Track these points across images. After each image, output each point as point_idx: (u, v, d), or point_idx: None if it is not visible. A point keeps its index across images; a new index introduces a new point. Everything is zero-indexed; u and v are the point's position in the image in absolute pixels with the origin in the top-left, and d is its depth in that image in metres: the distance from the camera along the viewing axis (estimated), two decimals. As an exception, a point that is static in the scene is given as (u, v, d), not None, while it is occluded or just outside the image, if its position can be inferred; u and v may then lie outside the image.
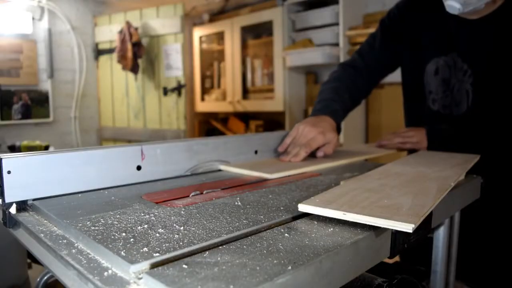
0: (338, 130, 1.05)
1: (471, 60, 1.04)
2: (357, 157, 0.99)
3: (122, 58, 3.33)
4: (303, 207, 0.51)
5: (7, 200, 0.56)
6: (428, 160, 0.84)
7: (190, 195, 0.62)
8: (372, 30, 2.44)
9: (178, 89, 3.35)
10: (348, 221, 0.47)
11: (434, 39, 1.11)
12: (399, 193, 0.56)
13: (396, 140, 1.10)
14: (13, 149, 2.90)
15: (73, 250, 0.42)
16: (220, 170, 0.85)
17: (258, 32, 3.39)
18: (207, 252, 0.38)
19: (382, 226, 0.45)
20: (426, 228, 0.53)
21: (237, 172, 0.82)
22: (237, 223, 0.48)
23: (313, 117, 1.03)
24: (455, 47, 1.06)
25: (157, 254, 0.38)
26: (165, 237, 0.43)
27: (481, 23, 1.01)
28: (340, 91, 1.14)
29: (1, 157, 0.56)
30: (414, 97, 1.18)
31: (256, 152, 0.94)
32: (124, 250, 0.39)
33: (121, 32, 3.33)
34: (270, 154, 0.98)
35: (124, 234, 0.44)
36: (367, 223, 0.46)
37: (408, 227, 0.44)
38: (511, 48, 0.97)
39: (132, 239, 0.42)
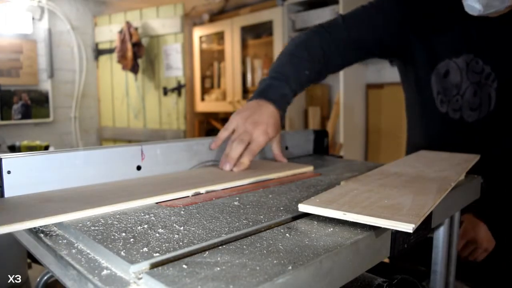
0: (282, 120, 0.88)
1: (495, 62, 0.96)
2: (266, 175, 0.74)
3: (122, 58, 3.33)
4: (303, 207, 0.50)
5: (7, 200, 0.56)
6: (428, 160, 0.84)
7: (190, 195, 0.62)
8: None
9: (178, 89, 3.35)
10: (348, 221, 0.47)
11: (448, 38, 1.02)
12: (399, 193, 0.56)
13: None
14: (13, 149, 2.90)
15: (73, 250, 0.42)
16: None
17: (258, 32, 3.39)
18: (207, 252, 0.38)
19: (382, 226, 0.45)
20: (426, 228, 0.53)
21: None
22: (237, 223, 0.48)
23: (254, 104, 0.85)
24: (473, 48, 0.98)
25: (157, 254, 0.38)
26: (165, 237, 0.43)
27: (502, 22, 0.94)
28: (301, 66, 0.94)
29: (1, 157, 0.56)
30: (421, 95, 1.09)
31: (256, 152, 0.94)
32: (124, 250, 0.39)
33: (121, 32, 3.33)
34: (270, 154, 0.98)
35: (124, 234, 0.44)
36: (368, 223, 0.46)
37: (409, 227, 0.44)
38: None
39: (132, 239, 0.42)
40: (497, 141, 1.02)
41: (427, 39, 1.05)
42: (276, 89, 0.88)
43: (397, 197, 0.54)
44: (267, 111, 0.84)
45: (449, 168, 0.75)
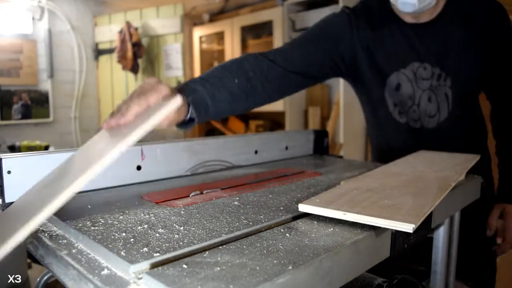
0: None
1: (443, 62, 0.98)
2: None
3: (122, 58, 3.33)
4: (303, 207, 0.50)
5: (7, 200, 0.56)
6: (428, 160, 0.84)
7: (190, 195, 0.62)
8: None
9: (178, 89, 3.35)
10: (348, 221, 0.47)
11: (391, 51, 1.01)
12: (399, 193, 0.56)
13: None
14: (13, 149, 2.89)
15: (73, 250, 0.42)
16: (220, 170, 0.85)
17: (258, 32, 3.38)
18: (207, 252, 0.38)
19: (382, 226, 0.45)
20: (426, 228, 0.53)
21: None
22: (237, 223, 0.48)
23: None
24: (418, 55, 0.99)
25: (157, 254, 0.38)
26: (165, 237, 0.43)
27: (435, 25, 0.97)
28: (227, 73, 0.81)
29: (1, 157, 0.56)
30: (377, 111, 1.08)
31: (256, 152, 0.94)
32: (124, 250, 0.39)
33: (121, 32, 3.33)
34: (270, 154, 0.98)
35: (124, 234, 0.44)
36: (368, 223, 0.46)
37: (409, 227, 0.44)
38: (473, 44, 0.97)
39: (132, 239, 0.42)
40: (464, 139, 1.04)
41: (372, 56, 1.03)
42: (187, 85, 0.74)
43: (397, 197, 0.54)
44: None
45: (449, 168, 0.75)
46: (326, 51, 1.00)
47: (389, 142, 1.11)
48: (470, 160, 0.83)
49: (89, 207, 0.55)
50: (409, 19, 0.98)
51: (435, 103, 1.00)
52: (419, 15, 0.96)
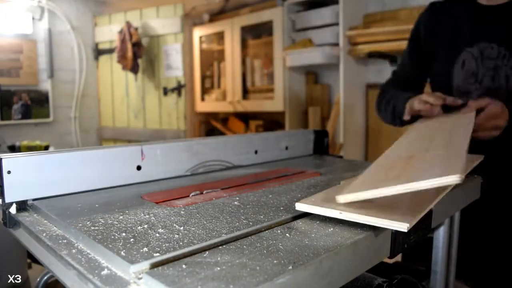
0: None
1: (509, 41, 1.02)
2: None
3: (122, 58, 3.33)
4: (300, 206, 0.51)
5: (7, 200, 0.56)
6: (428, 160, 0.84)
7: (190, 195, 0.62)
8: (372, 30, 2.43)
9: (178, 89, 3.35)
10: (348, 221, 0.47)
11: (459, 32, 1.09)
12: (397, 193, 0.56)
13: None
14: (13, 149, 2.89)
15: (73, 250, 0.42)
16: (220, 170, 0.85)
17: (258, 32, 3.38)
18: (207, 252, 0.38)
19: (377, 225, 0.45)
20: (426, 228, 0.53)
21: None
22: (237, 223, 0.48)
23: None
24: (487, 35, 1.04)
25: (157, 254, 0.38)
26: (165, 237, 0.43)
27: (510, 7, 1.02)
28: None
29: (1, 157, 0.56)
30: (440, 91, 1.12)
31: (256, 152, 0.94)
32: (124, 250, 0.39)
33: (121, 32, 3.33)
34: (270, 154, 0.98)
35: (124, 234, 0.44)
36: (363, 222, 0.46)
37: (403, 227, 0.44)
38: None
39: (132, 239, 0.42)
40: None
41: (442, 38, 1.13)
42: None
43: (394, 196, 0.54)
44: None
45: (449, 168, 0.74)
46: (418, 52, 1.21)
47: None
48: (473, 160, 0.83)
49: (89, 207, 0.55)
50: (484, 1, 1.05)
51: (497, 83, 1.04)
52: None
